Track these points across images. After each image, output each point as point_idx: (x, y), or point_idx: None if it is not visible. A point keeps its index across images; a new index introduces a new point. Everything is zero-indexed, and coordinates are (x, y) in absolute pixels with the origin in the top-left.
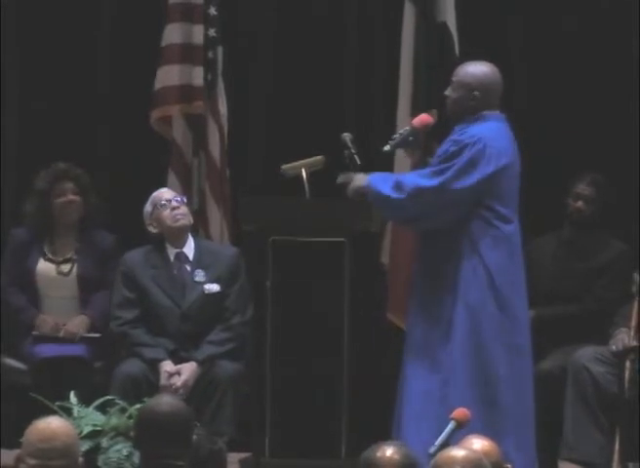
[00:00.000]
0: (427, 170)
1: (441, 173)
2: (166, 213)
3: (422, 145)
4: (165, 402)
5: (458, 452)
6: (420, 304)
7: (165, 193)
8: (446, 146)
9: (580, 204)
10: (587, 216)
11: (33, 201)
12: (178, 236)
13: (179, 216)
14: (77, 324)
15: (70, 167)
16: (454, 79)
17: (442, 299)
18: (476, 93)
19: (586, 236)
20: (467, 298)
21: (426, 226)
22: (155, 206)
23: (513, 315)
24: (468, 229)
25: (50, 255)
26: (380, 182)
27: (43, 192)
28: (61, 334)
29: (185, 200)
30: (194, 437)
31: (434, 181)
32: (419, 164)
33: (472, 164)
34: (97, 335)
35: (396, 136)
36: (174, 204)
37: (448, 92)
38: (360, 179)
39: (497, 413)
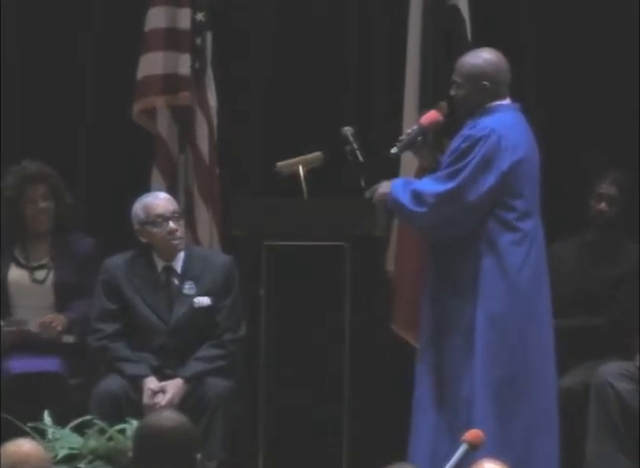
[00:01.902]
0: (441, 172)
1: (456, 174)
2: (162, 234)
3: (432, 145)
4: (167, 417)
5: None
6: (435, 313)
7: (161, 204)
8: (457, 143)
9: (603, 205)
10: (612, 218)
11: (2, 205)
12: (169, 254)
13: (176, 242)
14: (54, 317)
15: (40, 168)
16: (456, 77)
17: (461, 308)
18: (485, 83)
19: (611, 240)
20: (489, 306)
21: (446, 234)
22: (149, 219)
23: (537, 321)
24: (486, 230)
25: (22, 261)
26: (401, 191)
27: (12, 198)
28: (37, 329)
29: (180, 213)
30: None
31: (450, 185)
32: (430, 165)
33: (487, 160)
34: (71, 340)
35: (403, 137)
36: (171, 226)
37: (454, 91)
38: (384, 187)
39: (518, 429)
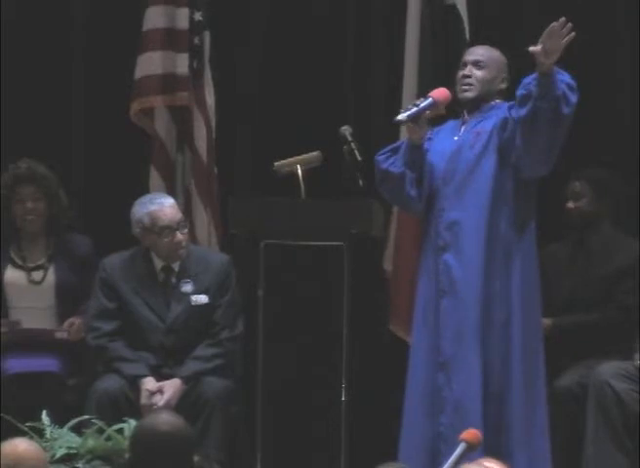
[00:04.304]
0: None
1: None
2: (166, 242)
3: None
4: (163, 419)
5: None
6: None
7: (168, 215)
8: None
9: (570, 203)
10: (583, 213)
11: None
12: (169, 259)
13: (181, 252)
14: (76, 321)
15: (31, 168)
16: (479, 57)
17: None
18: (505, 75)
19: (598, 237)
20: (522, 314)
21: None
22: (154, 228)
23: (538, 317)
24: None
25: (19, 262)
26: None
27: (4, 197)
28: (63, 332)
29: (187, 223)
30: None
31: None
32: (419, 141)
33: None
34: (64, 335)
35: (411, 106)
36: (178, 237)
37: (469, 71)
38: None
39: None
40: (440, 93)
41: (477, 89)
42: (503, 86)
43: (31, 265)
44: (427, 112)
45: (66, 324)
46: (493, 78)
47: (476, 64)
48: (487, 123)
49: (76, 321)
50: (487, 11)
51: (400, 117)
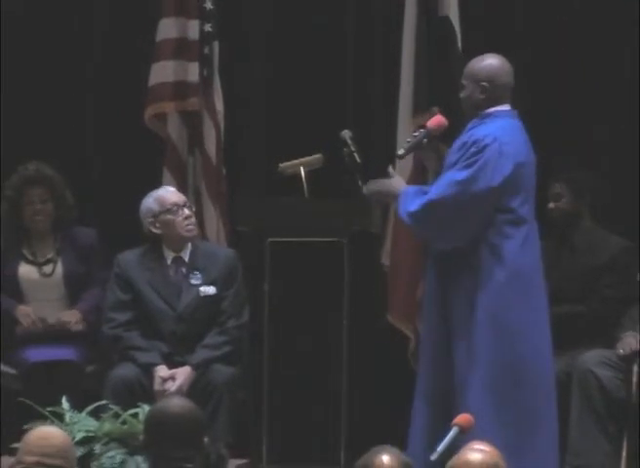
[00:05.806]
0: (449, 171)
1: (468, 167)
2: (178, 220)
3: (436, 147)
4: (175, 403)
5: (474, 456)
6: (439, 309)
7: (174, 195)
8: (462, 147)
9: (551, 204)
10: (565, 213)
11: (5, 206)
12: (182, 244)
13: (191, 227)
14: (70, 314)
15: (39, 170)
16: (462, 80)
17: (463, 302)
18: (484, 84)
19: (579, 234)
20: (488, 298)
21: (450, 237)
22: (164, 208)
23: (534, 307)
24: (486, 237)
25: (30, 258)
26: (412, 197)
27: (12, 198)
28: (54, 323)
29: (192, 205)
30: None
31: (464, 173)
32: (433, 167)
33: (492, 164)
34: (80, 328)
35: (409, 139)
36: (186, 212)
37: (461, 94)
38: (389, 187)
39: (516, 415)
40: (434, 121)
41: (463, 108)
42: (482, 96)
43: (42, 260)
44: (425, 141)
45: (64, 318)
46: (470, 94)
47: (462, 88)
48: (476, 131)
49: (72, 316)
50: (479, 22)
51: (399, 152)
